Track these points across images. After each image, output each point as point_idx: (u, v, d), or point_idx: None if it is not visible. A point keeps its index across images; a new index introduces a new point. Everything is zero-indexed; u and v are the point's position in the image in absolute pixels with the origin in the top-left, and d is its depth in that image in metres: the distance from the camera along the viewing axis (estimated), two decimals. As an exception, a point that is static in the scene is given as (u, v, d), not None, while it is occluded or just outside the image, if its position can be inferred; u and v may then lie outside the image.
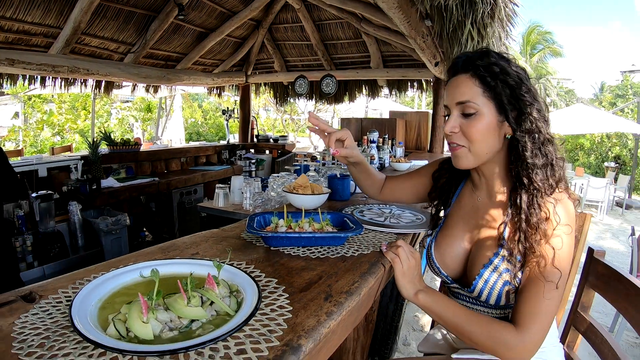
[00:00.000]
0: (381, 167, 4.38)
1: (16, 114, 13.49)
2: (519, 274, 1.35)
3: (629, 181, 12.92)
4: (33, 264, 3.69)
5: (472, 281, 1.45)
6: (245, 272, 1.15)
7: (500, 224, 1.43)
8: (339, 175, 2.50)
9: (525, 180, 1.34)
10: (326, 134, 1.69)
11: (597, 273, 1.66)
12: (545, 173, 1.34)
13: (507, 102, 1.35)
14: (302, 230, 1.57)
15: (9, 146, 11.80)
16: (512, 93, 1.35)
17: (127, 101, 16.51)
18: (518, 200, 1.36)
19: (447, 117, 1.45)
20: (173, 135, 15.62)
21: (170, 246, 1.48)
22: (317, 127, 1.69)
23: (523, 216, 1.33)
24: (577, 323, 1.71)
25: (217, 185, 3.37)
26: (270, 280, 1.19)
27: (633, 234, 4.60)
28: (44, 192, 3.88)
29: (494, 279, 1.39)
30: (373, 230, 1.80)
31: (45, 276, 3.64)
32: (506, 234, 1.40)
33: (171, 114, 16.48)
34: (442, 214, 1.73)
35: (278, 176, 2.85)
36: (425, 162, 4.62)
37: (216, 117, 19.60)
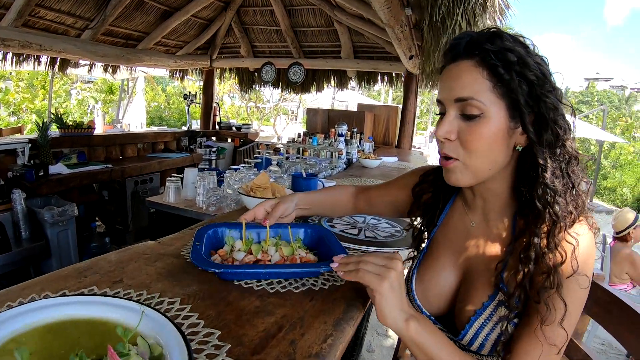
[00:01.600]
0: (349, 163, 4.18)
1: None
2: (512, 317, 1.08)
3: (591, 185, 12.91)
4: None
5: (460, 328, 1.17)
6: (174, 324, 0.79)
7: (499, 262, 1.12)
8: (304, 174, 2.19)
9: (540, 208, 1.04)
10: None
11: (596, 298, 1.40)
12: (566, 199, 1.04)
13: (525, 103, 1.03)
14: (266, 256, 1.25)
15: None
16: (531, 91, 1.03)
17: (89, 82, 16.03)
18: (527, 234, 1.06)
19: (440, 117, 1.13)
20: (134, 119, 15.15)
21: (89, 268, 1.16)
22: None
23: (532, 255, 1.03)
24: (570, 352, 1.46)
25: (167, 178, 3.06)
26: (212, 332, 0.89)
27: (604, 242, 4.48)
28: None
29: (488, 329, 1.11)
30: (345, 247, 1.50)
31: None
32: (505, 274, 1.10)
33: (133, 97, 15.99)
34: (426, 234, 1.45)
35: (236, 170, 2.56)
36: (395, 159, 4.51)
37: (180, 102, 19.09)
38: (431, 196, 1.40)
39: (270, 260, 1.25)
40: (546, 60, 1.08)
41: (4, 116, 12.29)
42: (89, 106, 14.95)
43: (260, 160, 3.08)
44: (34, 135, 4.74)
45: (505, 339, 1.07)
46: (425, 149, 13.62)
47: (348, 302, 1.11)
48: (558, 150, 1.04)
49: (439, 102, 1.14)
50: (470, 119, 1.06)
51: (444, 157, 1.13)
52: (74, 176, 4.56)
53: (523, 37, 1.09)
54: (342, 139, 4.20)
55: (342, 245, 1.33)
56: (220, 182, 2.78)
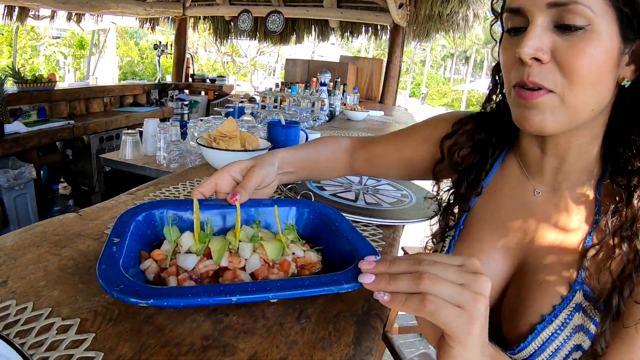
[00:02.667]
0: (331, 116, 3.83)
1: None
2: (592, 327, 0.73)
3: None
4: None
5: (514, 336, 0.81)
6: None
7: (579, 245, 0.78)
8: (283, 122, 1.78)
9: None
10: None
11: None
12: None
13: None
14: (236, 261, 0.73)
15: None
16: None
17: (57, 37, 15.37)
18: (626, 206, 0.73)
19: (512, 34, 0.77)
20: (106, 74, 14.63)
21: None
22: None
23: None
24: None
25: (124, 131, 2.66)
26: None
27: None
28: None
29: (561, 340, 0.75)
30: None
31: None
32: (587, 264, 0.75)
33: (104, 51, 15.37)
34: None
35: (202, 120, 2.15)
36: (381, 113, 4.19)
37: (154, 56, 18.56)
38: (469, 153, 1.01)
39: (244, 268, 0.73)
40: None
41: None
42: (58, 62, 14.36)
43: (232, 110, 2.69)
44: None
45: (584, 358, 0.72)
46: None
47: (359, 320, 0.71)
48: None
49: (512, 12, 0.75)
50: (570, 31, 0.69)
51: (530, 89, 0.74)
52: (33, 135, 4.15)
53: None
54: (324, 88, 3.79)
55: (363, 236, 0.81)
56: (184, 135, 2.38)
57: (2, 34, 12.15)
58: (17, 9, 5.66)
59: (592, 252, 0.75)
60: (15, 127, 4.10)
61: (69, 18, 6.74)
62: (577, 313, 0.74)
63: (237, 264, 0.72)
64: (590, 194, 0.81)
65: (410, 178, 1.21)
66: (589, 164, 0.81)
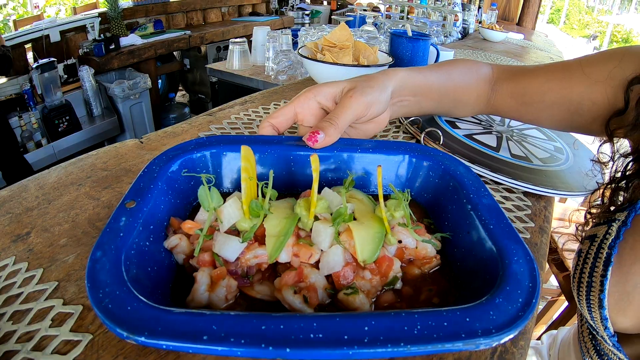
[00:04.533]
0: (465, 33, 3.41)
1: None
2: None
3: None
4: (41, 142, 3.40)
5: None
6: None
7: None
8: (410, 33, 1.45)
9: None
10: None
11: None
12: None
13: None
14: (306, 254, 0.46)
15: (50, 12, 11.03)
16: None
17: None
18: None
19: None
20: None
21: (6, 202, 0.65)
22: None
23: None
24: None
25: (231, 40, 2.50)
26: None
27: None
28: (45, 60, 3.42)
29: None
30: (480, 175, 0.80)
31: (56, 155, 3.47)
32: None
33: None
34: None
35: (316, 27, 1.89)
36: (521, 36, 3.56)
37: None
38: None
39: (317, 265, 0.47)
40: None
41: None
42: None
43: (352, 19, 2.39)
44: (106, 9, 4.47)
45: None
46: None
47: None
48: None
49: None
50: None
51: None
52: (147, 46, 4.22)
53: None
54: (458, 1, 3.38)
55: (514, 228, 0.49)
56: (296, 45, 2.17)
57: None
58: None
59: None
60: (131, 39, 4.19)
61: None
62: None
63: (306, 259, 0.46)
64: None
65: (572, 129, 0.88)
66: None
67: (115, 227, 0.43)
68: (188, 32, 4.67)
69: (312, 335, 0.34)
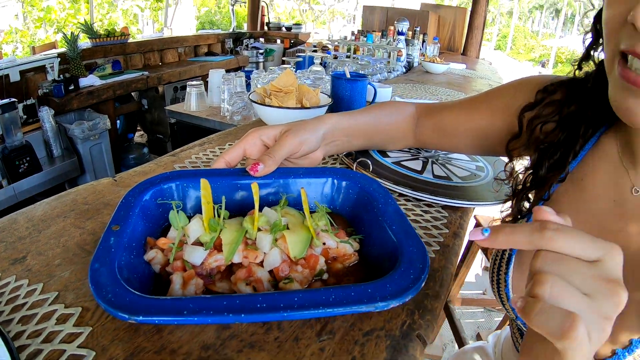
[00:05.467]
0: (409, 67, 3.59)
1: (16, 16, 12.53)
2: None
3: None
4: (1, 183, 3.34)
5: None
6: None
7: None
8: (348, 75, 1.59)
9: None
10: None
11: None
12: None
13: None
14: (252, 255, 0.61)
15: (7, 50, 10.98)
16: None
17: (134, -10, 15.60)
18: None
19: None
20: (183, 25, 14.77)
21: None
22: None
23: None
24: None
25: (188, 83, 2.63)
26: None
27: None
28: (6, 100, 3.40)
29: None
30: (403, 194, 0.98)
31: (17, 196, 3.41)
32: None
33: (181, 1, 15.50)
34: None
35: (266, 71, 2.02)
36: (463, 66, 3.82)
37: (229, 2, 18.68)
38: (555, 129, 0.81)
39: (262, 264, 0.62)
40: None
41: (48, 35, 11.84)
42: (136, 16, 14.66)
43: (301, 59, 2.55)
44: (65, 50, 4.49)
45: None
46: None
47: (395, 343, 0.56)
48: None
49: None
50: None
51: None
52: (106, 87, 4.26)
53: None
54: (402, 37, 3.52)
55: (412, 228, 0.66)
56: (249, 85, 2.28)
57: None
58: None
59: None
60: (90, 80, 4.22)
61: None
62: None
63: (253, 259, 0.61)
64: None
65: (483, 153, 1.05)
66: None
67: (106, 245, 0.57)
68: (146, 72, 4.73)
69: (258, 305, 0.48)
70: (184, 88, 4.95)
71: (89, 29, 4.76)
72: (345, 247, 0.67)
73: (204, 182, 0.68)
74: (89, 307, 0.58)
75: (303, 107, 1.29)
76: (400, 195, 0.98)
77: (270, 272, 0.61)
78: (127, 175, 0.99)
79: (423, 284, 0.55)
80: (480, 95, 1.01)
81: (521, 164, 0.89)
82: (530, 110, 0.84)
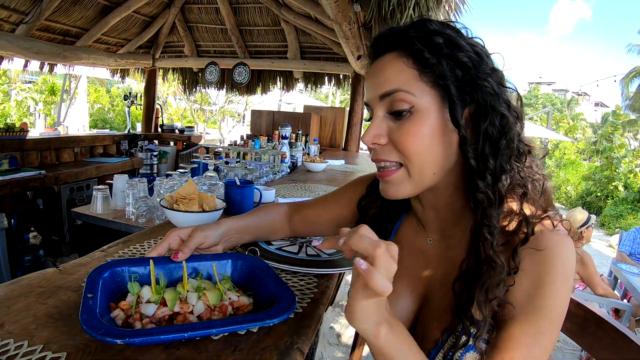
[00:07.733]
0: (293, 167, 4.02)
1: None
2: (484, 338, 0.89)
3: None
4: None
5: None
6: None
7: (454, 282, 0.94)
8: (238, 182, 1.96)
9: (480, 215, 0.89)
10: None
11: (569, 313, 1.27)
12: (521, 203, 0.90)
13: (458, 90, 0.88)
14: (186, 307, 0.94)
15: None
16: (466, 76, 0.88)
17: (29, 82, 15.40)
18: (480, 245, 0.88)
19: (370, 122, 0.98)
20: (76, 121, 14.60)
21: None
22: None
23: (486, 270, 0.86)
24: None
25: (94, 187, 2.83)
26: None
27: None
28: None
29: (457, 356, 0.92)
30: (284, 270, 1.32)
31: None
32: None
33: (75, 98, 15.43)
34: None
35: (168, 176, 2.29)
36: (341, 162, 4.38)
37: (125, 105, 18.60)
38: (378, 212, 1.23)
39: (192, 312, 0.94)
40: (482, 42, 0.94)
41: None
42: (29, 108, 14.37)
43: (196, 165, 2.88)
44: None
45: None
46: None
47: (282, 352, 0.89)
48: (503, 145, 0.89)
49: (366, 105, 0.99)
50: (399, 116, 0.92)
51: (381, 166, 0.98)
52: (4, 184, 4.20)
53: (454, 22, 0.94)
54: (285, 141, 4.06)
55: (283, 282, 1.07)
56: (152, 190, 2.50)
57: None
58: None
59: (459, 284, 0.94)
60: None
61: (41, 67, 6.93)
62: (464, 335, 0.91)
63: (186, 309, 0.94)
64: (467, 238, 0.95)
65: None
66: (459, 211, 1.02)
67: (87, 304, 0.86)
68: (43, 171, 4.71)
69: (196, 327, 0.83)
70: (80, 189, 4.99)
71: (-13, 122, 4.73)
72: (243, 300, 1.02)
73: (151, 263, 1.02)
74: (72, 352, 0.82)
75: (204, 211, 1.63)
76: (283, 271, 1.32)
77: (198, 317, 0.95)
78: (69, 266, 1.24)
79: (292, 313, 0.93)
80: (335, 192, 1.44)
81: None
82: (365, 200, 1.27)
